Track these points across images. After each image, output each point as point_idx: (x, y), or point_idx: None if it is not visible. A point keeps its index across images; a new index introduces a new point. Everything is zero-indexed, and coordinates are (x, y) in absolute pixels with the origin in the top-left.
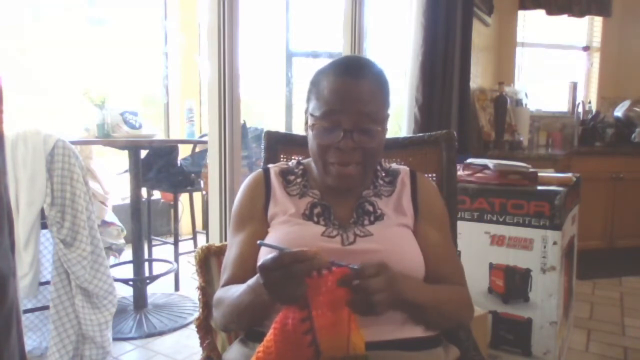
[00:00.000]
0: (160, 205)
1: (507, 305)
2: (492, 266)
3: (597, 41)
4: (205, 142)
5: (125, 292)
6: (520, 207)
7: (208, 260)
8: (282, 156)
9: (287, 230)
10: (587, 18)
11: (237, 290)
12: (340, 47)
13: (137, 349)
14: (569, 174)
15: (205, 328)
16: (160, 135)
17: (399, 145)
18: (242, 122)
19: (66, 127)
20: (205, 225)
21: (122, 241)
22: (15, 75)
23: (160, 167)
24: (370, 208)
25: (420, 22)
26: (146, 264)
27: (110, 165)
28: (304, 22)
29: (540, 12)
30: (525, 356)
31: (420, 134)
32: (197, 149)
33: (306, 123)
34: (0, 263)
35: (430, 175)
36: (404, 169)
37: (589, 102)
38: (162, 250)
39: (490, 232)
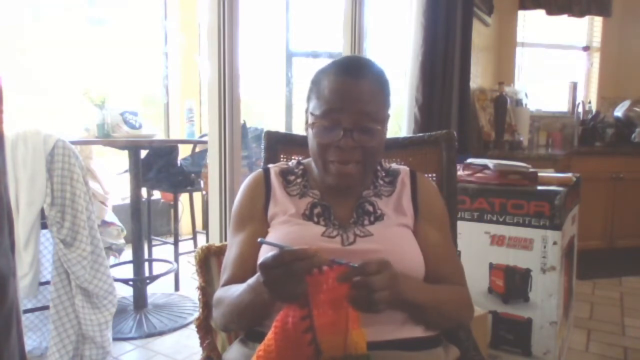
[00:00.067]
0: (160, 205)
1: (507, 305)
2: (492, 266)
3: (597, 41)
4: (205, 142)
5: (125, 292)
6: (520, 207)
7: (208, 260)
8: (282, 156)
9: (287, 231)
10: (587, 18)
11: (237, 289)
12: (340, 47)
13: (137, 349)
14: (569, 174)
15: (205, 328)
16: (160, 135)
17: (399, 145)
18: (242, 122)
19: (66, 127)
20: (205, 225)
21: (122, 241)
22: (15, 75)
23: (160, 167)
24: (370, 208)
25: (420, 22)
26: (146, 264)
27: (110, 165)
28: (304, 22)
29: (540, 12)
30: (525, 356)
31: (420, 134)
32: (197, 149)
33: (306, 122)
34: (0, 263)
35: (430, 175)
36: (404, 169)
37: (589, 102)
38: (162, 250)
39: (490, 232)
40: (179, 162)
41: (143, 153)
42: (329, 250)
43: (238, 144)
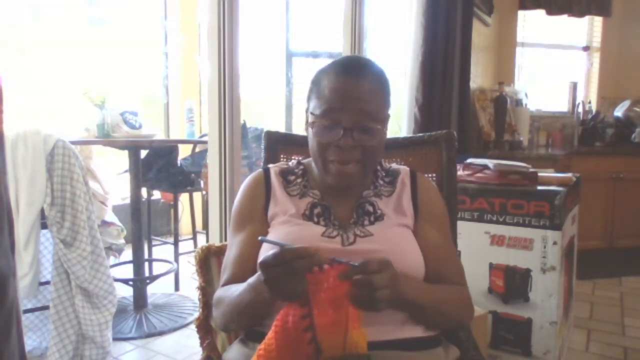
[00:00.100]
0: (160, 205)
1: (507, 305)
2: (492, 266)
3: (597, 41)
4: (205, 142)
5: (125, 292)
6: (520, 207)
7: (208, 260)
8: (282, 156)
9: (287, 231)
10: (587, 18)
11: (237, 289)
12: (340, 47)
13: (137, 349)
14: (569, 174)
15: (205, 328)
16: (160, 135)
17: (399, 145)
18: (242, 122)
19: (66, 127)
20: (205, 225)
21: (122, 241)
22: (15, 75)
23: (160, 167)
24: (371, 208)
25: (420, 22)
26: (146, 264)
27: (110, 165)
28: (304, 22)
29: (540, 12)
30: (525, 356)
31: (420, 134)
32: (197, 149)
33: (307, 122)
34: (0, 263)
35: (430, 175)
36: (404, 169)
37: (589, 102)
38: (162, 250)
39: (490, 232)
40: (179, 162)
41: (143, 153)
42: (329, 250)
43: (238, 144)
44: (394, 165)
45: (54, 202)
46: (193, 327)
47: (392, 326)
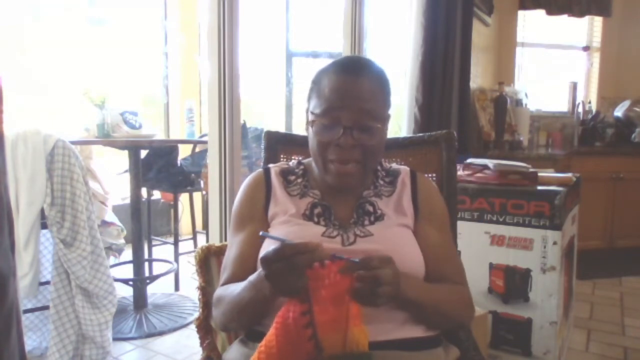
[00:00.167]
0: (160, 205)
1: (507, 305)
2: (492, 266)
3: (597, 41)
4: (205, 142)
5: (125, 292)
6: (520, 207)
7: (208, 260)
8: (282, 156)
9: (287, 230)
10: (587, 18)
11: (237, 287)
12: (340, 47)
13: (137, 349)
14: (569, 174)
15: (205, 328)
16: (160, 135)
17: (399, 145)
18: (242, 122)
19: (66, 127)
20: (205, 225)
21: (122, 241)
22: (15, 75)
23: (160, 167)
24: (371, 208)
25: (420, 22)
26: (146, 264)
27: (110, 165)
28: (304, 22)
29: (540, 12)
30: (525, 356)
31: (420, 134)
32: (197, 149)
33: (307, 122)
34: (0, 263)
35: (430, 175)
36: (404, 169)
37: (589, 102)
38: (162, 250)
39: (490, 232)
40: (179, 162)
41: (143, 153)
42: (330, 250)
43: (238, 144)
44: (394, 165)
45: (54, 202)
46: (193, 327)
47: (392, 325)
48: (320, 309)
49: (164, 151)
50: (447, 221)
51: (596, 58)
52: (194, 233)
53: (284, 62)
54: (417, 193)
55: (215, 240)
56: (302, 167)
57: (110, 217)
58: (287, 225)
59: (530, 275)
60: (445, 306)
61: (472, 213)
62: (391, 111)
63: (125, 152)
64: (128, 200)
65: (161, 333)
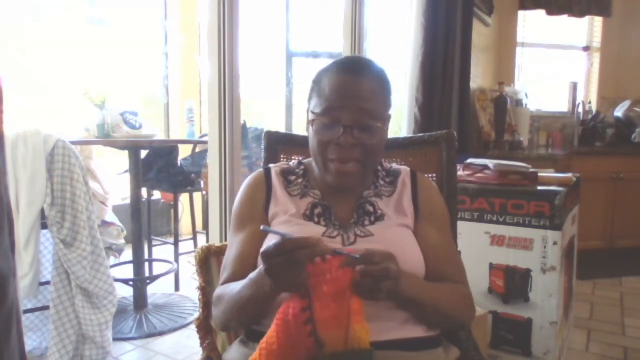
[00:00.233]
0: (160, 205)
1: (507, 305)
2: (492, 266)
3: (597, 41)
4: (205, 142)
5: (125, 292)
6: (520, 207)
7: (208, 260)
8: (282, 156)
9: (287, 230)
10: (587, 18)
11: (237, 285)
12: (340, 47)
13: (137, 349)
14: (569, 174)
15: (205, 328)
16: (160, 135)
17: (399, 145)
18: (242, 122)
19: (66, 127)
20: (205, 225)
21: (122, 241)
22: (15, 75)
23: (160, 167)
24: (371, 208)
25: (420, 22)
26: (146, 264)
27: (110, 165)
28: (304, 22)
29: (540, 12)
30: (525, 356)
31: (420, 134)
32: (197, 149)
33: (308, 121)
34: (0, 263)
35: (430, 175)
36: (404, 169)
37: (589, 102)
38: (162, 250)
39: (490, 232)
40: (179, 162)
41: (143, 153)
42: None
43: (238, 144)
44: (395, 165)
45: (54, 202)
46: (193, 327)
47: (393, 324)
48: (321, 305)
49: (164, 151)
50: (447, 221)
51: (596, 58)
52: (194, 233)
53: (284, 62)
54: (417, 193)
55: (215, 240)
56: (302, 167)
57: (110, 217)
58: (287, 225)
59: (530, 275)
60: (445, 305)
61: (472, 213)
62: (391, 111)
63: (125, 152)
64: (128, 200)
65: (161, 333)
